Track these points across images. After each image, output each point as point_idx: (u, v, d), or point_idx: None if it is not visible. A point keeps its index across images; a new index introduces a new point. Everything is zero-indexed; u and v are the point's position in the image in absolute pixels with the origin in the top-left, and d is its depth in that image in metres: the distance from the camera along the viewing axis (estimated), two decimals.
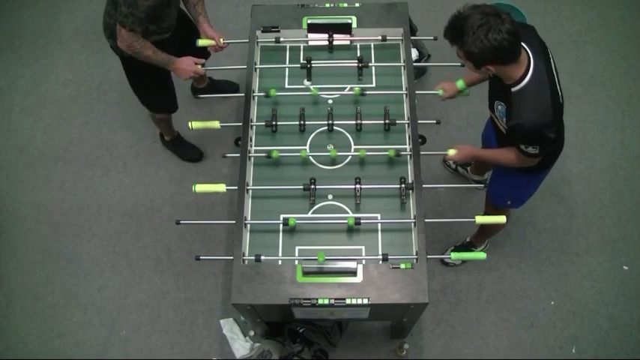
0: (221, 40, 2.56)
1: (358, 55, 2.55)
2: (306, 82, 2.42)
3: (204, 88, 3.31)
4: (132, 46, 2.33)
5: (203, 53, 2.68)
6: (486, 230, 2.76)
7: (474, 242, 2.88)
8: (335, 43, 2.55)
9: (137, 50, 2.35)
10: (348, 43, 2.55)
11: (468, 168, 3.12)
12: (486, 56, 1.78)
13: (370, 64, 2.48)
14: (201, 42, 2.59)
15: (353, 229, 2.16)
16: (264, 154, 2.29)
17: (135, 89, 2.77)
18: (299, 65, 2.50)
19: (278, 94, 2.42)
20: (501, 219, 2.18)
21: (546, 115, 1.87)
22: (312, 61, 2.47)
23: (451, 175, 3.21)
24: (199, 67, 2.51)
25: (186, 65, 2.48)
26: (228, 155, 2.48)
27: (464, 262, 2.93)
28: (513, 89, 1.91)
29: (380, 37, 2.54)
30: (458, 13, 1.79)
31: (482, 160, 2.28)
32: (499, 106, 2.07)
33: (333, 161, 2.32)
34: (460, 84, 2.39)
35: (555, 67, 1.99)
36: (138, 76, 2.68)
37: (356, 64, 2.48)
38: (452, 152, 2.26)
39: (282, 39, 2.55)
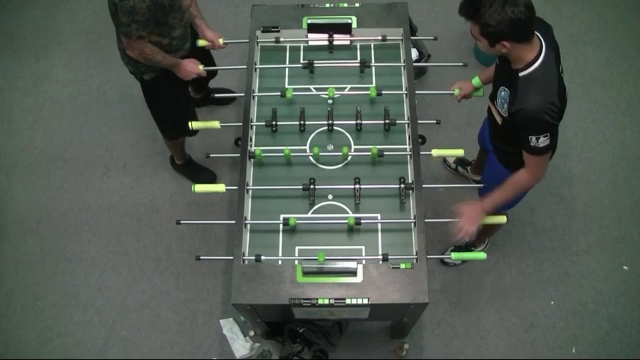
0: (220, 40, 2.58)
1: (359, 54, 2.55)
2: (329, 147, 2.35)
3: (202, 98, 3.32)
4: (144, 53, 2.31)
5: (206, 58, 2.69)
6: (485, 230, 2.75)
7: (473, 242, 2.88)
8: (335, 43, 2.55)
9: (149, 56, 2.34)
10: (348, 43, 2.55)
11: (468, 168, 3.12)
12: (503, 30, 1.75)
13: (371, 64, 2.47)
14: (201, 42, 2.61)
15: (353, 229, 2.16)
16: (264, 155, 2.29)
17: (155, 113, 2.74)
18: (299, 65, 2.51)
19: (277, 95, 2.42)
20: (502, 219, 2.18)
21: (552, 99, 1.83)
22: (315, 61, 2.47)
23: (451, 175, 3.21)
24: (201, 68, 2.54)
25: (190, 67, 2.51)
26: (213, 155, 2.50)
27: (464, 262, 2.93)
28: (521, 74, 1.88)
29: (380, 37, 2.54)
30: None
31: (498, 205, 2.13)
32: (502, 92, 2.03)
33: (332, 161, 2.32)
34: (476, 81, 2.39)
35: (563, 69, 1.97)
36: (159, 100, 2.66)
37: (358, 64, 2.48)
38: (460, 233, 2.10)
39: (282, 39, 2.55)
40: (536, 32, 1.87)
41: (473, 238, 2.14)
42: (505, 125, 2.07)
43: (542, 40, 1.89)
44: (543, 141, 1.87)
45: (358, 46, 2.58)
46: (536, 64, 1.86)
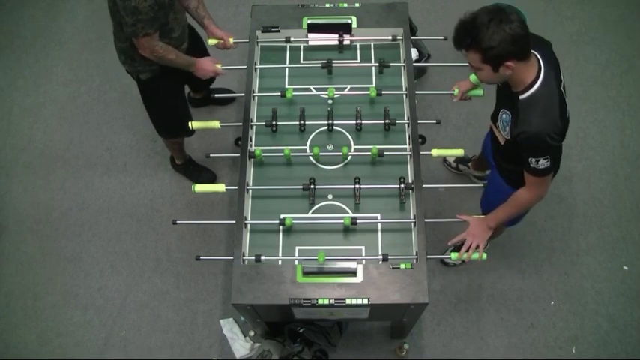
0: (230, 40, 2.60)
1: (359, 54, 2.55)
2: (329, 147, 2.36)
3: (202, 98, 3.32)
4: (155, 52, 2.31)
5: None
6: None
7: None
8: (334, 43, 2.55)
9: (161, 55, 2.34)
10: (348, 43, 2.55)
11: (469, 164, 3.11)
12: (505, 49, 1.73)
13: (389, 64, 2.46)
14: (211, 41, 2.63)
15: (352, 229, 2.15)
16: (265, 155, 2.29)
17: (152, 113, 2.75)
18: (299, 65, 2.51)
19: (277, 95, 2.41)
20: None
21: (554, 122, 1.82)
22: (334, 62, 2.47)
23: (451, 175, 3.20)
24: (219, 66, 2.56)
25: (207, 65, 2.54)
26: (213, 155, 2.54)
27: (464, 262, 2.93)
28: (521, 97, 1.87)
29: (390, 37, 2.54)
30: (462, 20, 1.77)
31: (501, 221, 2.15)
32: (504, 115, 2.02)
33: (332, 161, 2.32)
34: (473, 77, 2.36)
35: (564, 86, 1.94)
36: (156, 100, 2.66)
37: (376, 65, 2.49)
38: (470, 251, 2.13)
39: (292, 38, 2.55)
40: (533, 51, 1.85)
41: (482, 254, 2.14)
42: (507, 145, 2.06)
43: (540, 59, 1.87)
44: (543, 163, 1.87)
45: (358, 46, 2.58)
46: (536, 86, 1.84)
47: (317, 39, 2.56)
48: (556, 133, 1.83)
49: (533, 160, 1.87)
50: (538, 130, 1.81)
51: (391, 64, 2.48)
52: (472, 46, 1.76)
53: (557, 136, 1.83)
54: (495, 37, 1.71)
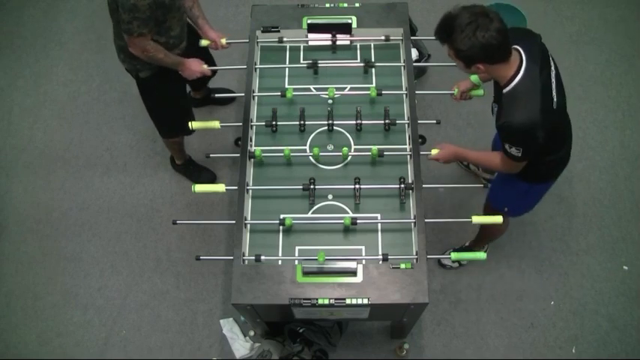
0: (223, 40, 2.60)
1: (359, 54, 2.55)
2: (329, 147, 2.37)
3: (202, 98, 3.32)
4: (145, 50, 2.31)
5: (206, 58, 2.70)
6: (485, 235, 2.75)
7: (472, 247, 2.87)
8: (336, 43, 2.55)
9: (151, 54, 2.34)
10: (348, 43, 2.55)
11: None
12: (475, 54, 1.80)
13: (375, 64, 2.47)
14: (204, 42, 2.63)
15: (352, 229, 2.15)
16: (265, 155, 2.29)
17: (152, 112, 2.75)
18: (300, 65, 2.51)
19: (277, 95, 2.41)
20: (497, 219, 2.17)
21: (534, 116, 1.85)
22: (319, 61, 2.48)
23: (451, 175, 3.20)
24: (205, 66, 2.56)
25: (194, 66, 2.53)
26: (213, 155, 2.55)
27: (461, 265, 2.93)
28: (504, 90, 1.92)
29: (383, 37, 2.54)
30: (447, 14, 1.83)
31: (466, 160, 2.25)
32: (495, 108, 2.08)
33: (332, 161, 2.32)
34: (474, 77, 2.39)
35: (557, 75, 1.97)
36: (155, 98, 2.66)
37: (362, 65, 2.49)
38: (435, 152, 2.25)
39: (285, 39, 2.55)
40: (517, 46, 1.89)
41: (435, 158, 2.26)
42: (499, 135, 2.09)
43: (522, 55, 1.90)
44: (514, 151, 1.95)
45: (358, 46, 2.58)
46: (517, 80, 1.88)
47: (317, 39, 2.56)
48: (536, 127, 1.85)
49: (507, 144, 1.96)
50: (518, 122, 1.87)
51: (391, 64, 2.48)
52: (447, 41, 1.85)
53: (539, 130, 1.86)
54: (466, 41, 1.78)
